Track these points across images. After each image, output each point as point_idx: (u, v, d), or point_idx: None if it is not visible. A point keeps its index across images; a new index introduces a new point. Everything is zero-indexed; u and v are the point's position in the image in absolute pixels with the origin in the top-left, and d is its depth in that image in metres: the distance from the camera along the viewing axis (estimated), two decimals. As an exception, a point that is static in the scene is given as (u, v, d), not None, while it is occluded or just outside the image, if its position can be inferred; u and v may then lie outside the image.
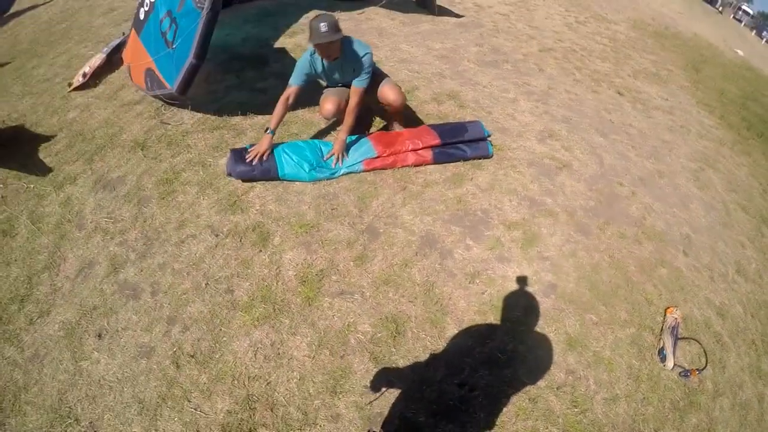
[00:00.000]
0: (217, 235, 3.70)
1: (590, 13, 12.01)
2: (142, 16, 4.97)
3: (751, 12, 43.91)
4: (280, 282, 3.47)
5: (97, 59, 5.58)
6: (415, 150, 4.46)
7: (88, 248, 3.67)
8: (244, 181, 4.11)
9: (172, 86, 4.33)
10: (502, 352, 3.35)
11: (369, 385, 3.02)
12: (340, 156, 4.26)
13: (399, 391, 3.05)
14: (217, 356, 3.08)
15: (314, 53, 4.00)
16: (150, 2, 4.82)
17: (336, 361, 3.11)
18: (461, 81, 6.27)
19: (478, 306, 3.57)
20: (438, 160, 4.56)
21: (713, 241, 5.05)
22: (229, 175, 4.08)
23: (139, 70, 4.86)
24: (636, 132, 6.46)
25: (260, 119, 4.82)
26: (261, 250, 3.64)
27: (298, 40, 6.60)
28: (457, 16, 8.83)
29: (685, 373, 3.65)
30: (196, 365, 3.03)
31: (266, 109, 4.87)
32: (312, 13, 7.56)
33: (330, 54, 3.88)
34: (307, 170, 4.14)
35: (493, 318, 3.53)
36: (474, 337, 3.39)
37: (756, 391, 3.91)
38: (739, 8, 44.73)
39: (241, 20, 7.11)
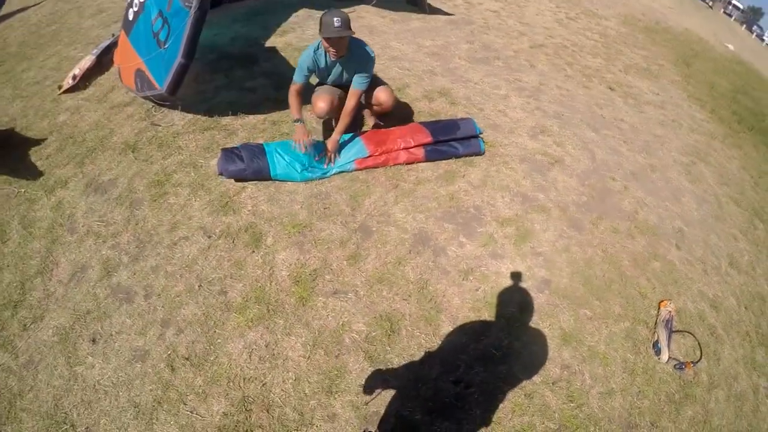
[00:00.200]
0: (209, 237, 3.69)
1: (581, 9, 12.04)
2: (131, 17, 4.94)
3: (741, 6, 44.16)
4: (274, 282, 3.46)
5: (86, 61, 5.54)
6: (407, 148, 4.46)
7: (80, 252, 3.65)
8: (236, 180, 4.10)
9: (162, 87, 4.31)
10: (497, 348, 3.35)
11: (364, 384, 3.01)
12: (332, 156, 4.25)
13: (394, 389, 3.04)
14: (211, 358, 3.07)
15: (318, 49, 3.99)
16: (139, 3, 4.79)
17: (331, 361, 3.11)
18: (452, 78, 6.28)
19: (472, 303, 3.57)
20: (430, 157, 4.56)
21: (706, 234, 5.07)
22: (221, 174, 4.06)
23: (129, 72, 4.83)
24: (628, 127, 6.48)
25: (251, 119, 4.81)
26: (254, 251, 3.63)
27: (288, 39, 6.58)
28: (447, 14, 8.81)
29: (680, 366, 3.67)
30: (191, 368, 3.02)
31: (256, 108, 4.88)
32: (302, 12, 7.59)
33: (338, 50, 3.85)
34: (299, 170, 4.13)
35: (488, 314, 3.53)
36: (468, 334, 3.40)
37: (751, 383, 3.93)
38: (730, 3, 45.00)
39: (230, 19, 7.09)
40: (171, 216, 3.83)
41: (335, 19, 3.62)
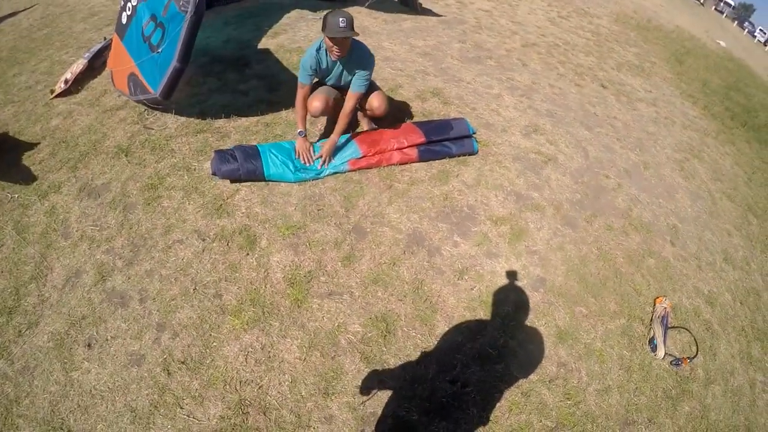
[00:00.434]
0: (203, 240, 3.67)
1: (573, 7, 12.09)
2: (124, 21, 4.91)
3: (732, 3, 44.31)
4: (269, 285, 3.45)
5: (78, 65, 5.52)
6: (400, 149, 4.46)
7: (74, 257, 3.62)
8: (230, 182, 4.09)
9: (156, 91, 4.29)
10: (493, 347, 3.36)
11: (361, 385, 3.01)
12: (327, 158, 4.24)
13: (391, 390, 3.04)
14: (207, 362, 3.06)
15: (320, 49, 3.99)
16: (132, 6, 4.77)
17: (327, 363, 3.10)
18: (445, 78, 6.28)
19: (467, 302, 3.57)
20: (423, 157, 4.57)
21: (700, 231, 5.10)
22: (214, 174, 4.05)
23: (122, 75, 4.81)
24: (620, 124, 6.51)
25: (244, 121, 4.79)
26: (248, 254, 3.62)
27: (280, 41, 6.57)
28: (437, 15, 8.82)
29: (677, 362, 3.69)
30: (187, 371, 3.01)
31: (249, 110, 4.87)
32: (294, 13, 7.59)
33: (341, 50, 3.84)
34: (292, 171, 4.13)
35: (483, 314, 3.54)
36: (464, 334, 3.40)
37: (747, 377, 3.96)
38: (721, 0, 45.14)
39: (222, 22, 7.07)
40: (165, 219, 3.82)
41: (340, 19, 3.63)
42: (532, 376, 3.31)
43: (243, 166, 4.00)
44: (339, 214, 3.99)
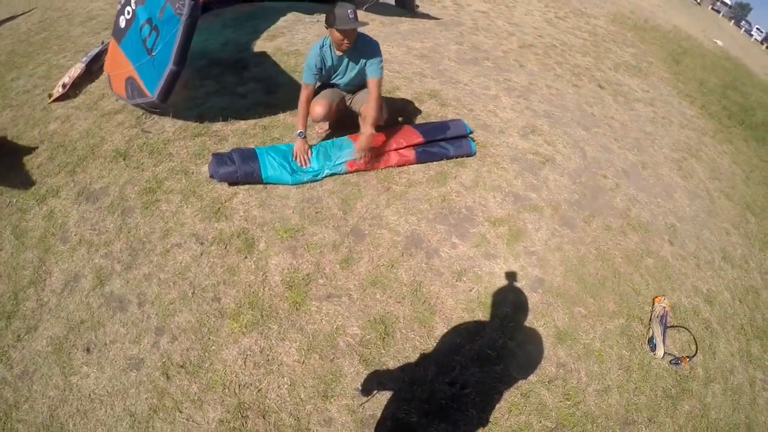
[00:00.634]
0: (202, 243, 3.67)
1: (569, 8, 12.10)
2: (122, 24, 4.91)
3: (729, 2, 44.37)
4: (267, 288, 3.45)
5: (76, 69, 5.52)
6: (398, 149, 4.47)
7: (73, 261, 3.62)
8: (228, 185, 4.09)
9: (153, 94, 4.29)
10: (492, 348, 3.36)
11: (360, 387, 3.01)
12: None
13: (390, 392, 3.04)
14: (206, 365, 3.05)
15: (323, 46, 4.01)
16: (131, 10, 4.77)
17: (326, 365, 3.10)
18: (442, 80, 6.29)
19: (466, 303, 3.58)
20: (421, 159, 4.58)
21: (698, 230, 5.11)
22: (212, 177, 4.05)
23: (120, 79, 4.81)
24: (618, 124, 6.52)
25: (242, 124, 4.79)
26: (246, 257, 3.62)
27: (278, 44, 6.58)
28: (434, 17, 8.83)
29: (676, 361, 3.69)
30: (186, 375, 3.00)
31: (247, 113, 4.87)
32: (291, 16, 7.61)
33: (350, 41, 3.87)
34: (290, 172, 4.13)
35: (482, 315, 3.54)
36: (463, 335, 3.40)
37: (747, 376, 3.96)
38: None
39: (220, 25, 7.08)
40: (163, 223, 3.82)
41: (348, 11, 3.66)
42: (532, 377, 3.31)
43: (240, 168, 4.00)
44: (337, 217, 3.99)
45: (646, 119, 7.10)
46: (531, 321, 3.61)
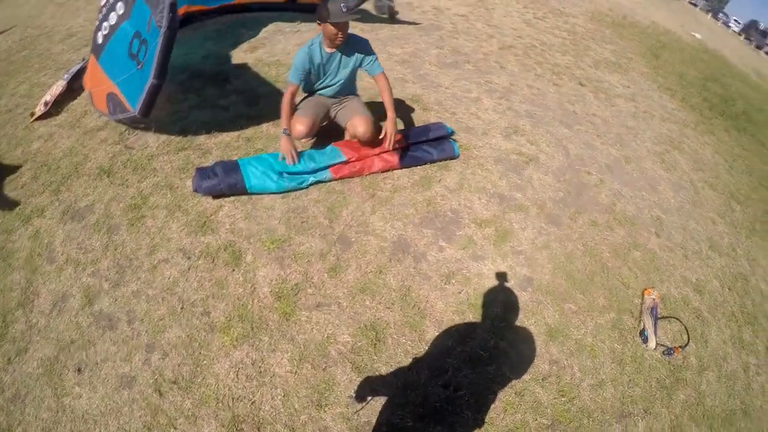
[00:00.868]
0: (189, 258, 3.66)
1: (548, 8, 12.18)
2: (100, 41, 4.90)
3: (705, -6, 44.76)
4: (256, 300, 3.44)
5: (58, 87, 5.48)
6: (381, 153, 4.47)
7: (60, 281, 3.59)
8: (213, 197, 4.08)
9: (134, 109, 4.26)
10: (484, 349, 3.36)
11: (354, 395, 3.00)
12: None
13: (384, 398, 3.03)
14: (199, 380, 3.04)
15: (312, 45, 4.03)
16: (110, 26, 4.76)
17: (319, 374, 3.09)
18: (423, 84, 6.31)
19: (455, 306, 3.58)
20: (405, 164, 4.59)
21: (684, 221, 5.15)
22: (196, 191, 4.04)
23: (101, 95, 4.79)
24: (600, 121, 6.57)
25: (225, 137, 4.78)
26: (234, 269, 3.61)
27: (258, 55, 6.58)
28: (414, 23, 8.86)
29: (669, 352, 3.71)
30: (179, 391, 2.99)
31: (230, 126, 4.87)
32: (272, 27, 7.60)
33: (343, 36, 3.90)
34: (274, 179, 4.12)
35: (472, 316, 3.55)
36: (454, 337, 3.41)
37: (741, 362, 3.99)
38: (694, -7, 45.65)
39: (201, 38, 7.06)
40: (149, 239, 3.80)
41: (341, 4, 3.68)
42: (525, 376, 3.31)
43: (224, 180, 3.99)
44: (323, 226, 3.99)
45: (627, 114, 7.16)
46: (522, 320, 3.62)
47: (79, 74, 5.72)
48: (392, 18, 8.60)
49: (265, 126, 4.96)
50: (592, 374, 3.44)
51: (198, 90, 5.60)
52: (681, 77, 10.13)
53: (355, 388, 3.03)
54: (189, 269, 3.60)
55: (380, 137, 4.30)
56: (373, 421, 2.93)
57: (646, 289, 4.12)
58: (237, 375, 3.06)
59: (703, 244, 4.98)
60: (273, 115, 4.95)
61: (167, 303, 3.40)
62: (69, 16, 8.57)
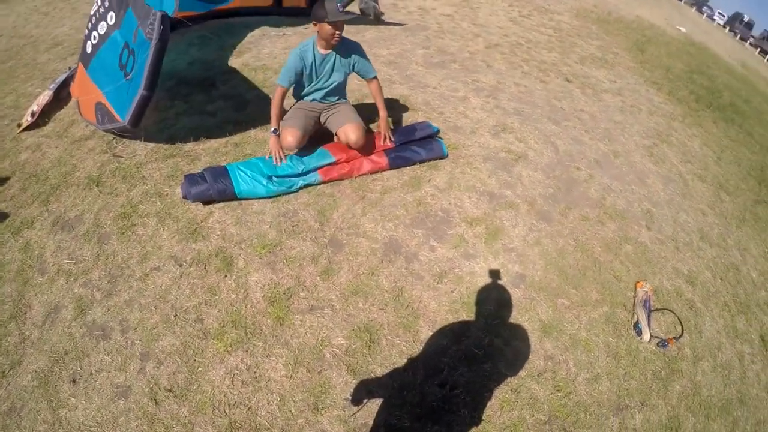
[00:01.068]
0: (180, 265, 3.64)
1: (533, 6, 12.24)
2: (89, 50, 4.88)
3: (689, -11, 44.94)
4: (249, 305, 3.43)
5: (44, 96, 5.45)
6: (369, 155, 4.50)
7: (52, 292, 3.57)
8: (203, 204, 4.07)
9: (123, 119, 4.25)
10: (479, 347, 3.37)
11: (350, 397, 3.00)
12: (387, 134, 4.46)
13: (381, 399, 3.03)
14: (194, 387, 3.03)
15: (305, 46, 4.04)
16: (99, 35, 4.74)
17: (314, 378, 3.09)
18: (410, 85, 6.32)
19: (449, 305, 3.59)
20: (394, 165, 4.59)
21: (674, 213, 5.18)
22: (185, 198, 4.03)
23: (89, 105, 4.77)
24: (588, 116, 6.60)
25: (213, 143, 4.77)
26: (226, 275, 3.60)
27: (245, 60, 6.57)
28: (400, 24, 8.86)
29: (663, 343, 3.73)
30: (174, 399, 2.97)
31: (218, 131, 4.85)
32: (258, 31, 7.58)
33: (340, 36, 3.91)
34: (264, 184, 4.11)
35: (466, 315, 3.55)
36: (449, 337, 3.41)
37: (735, 351, 4.03)
38: (678, -13, 45.81)
39: (186, 44, 7.03)
40: (140, 247, 3.78)
41: (338, 3, 3.71)
42: (521, 372, 3.32)
43: (213, 186, 3.98)
44: (314, 229, 3.99)
45: (615, 109, 7.20)
46: (515, 317, 3.63)
47: (66, 83, 5.70)
48: (377, 19, 8.61)
49: (253, 131, 4.96)
50: (588, 368, 3.45)
51: (185, 96, 5.58)
52: (667, 71, 10.19)
53: (351, 391, 3.03)
54: (181, 276, 3.58)
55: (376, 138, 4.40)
56: (371, 422, 2.93)
57: (638, 282, 4.14)
58: (232, 381, 3.05)
59: (694, 235, 5.01)
60: (261, 119, 4.95)
61: (160, 311, 3.38)
62: (54, 24, 8.54)
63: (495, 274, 3.87)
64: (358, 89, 5.81)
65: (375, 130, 4.85)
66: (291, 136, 4.18)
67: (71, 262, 3.73)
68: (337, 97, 4.48)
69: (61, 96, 5.62)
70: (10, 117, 5.54)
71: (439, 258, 3.92)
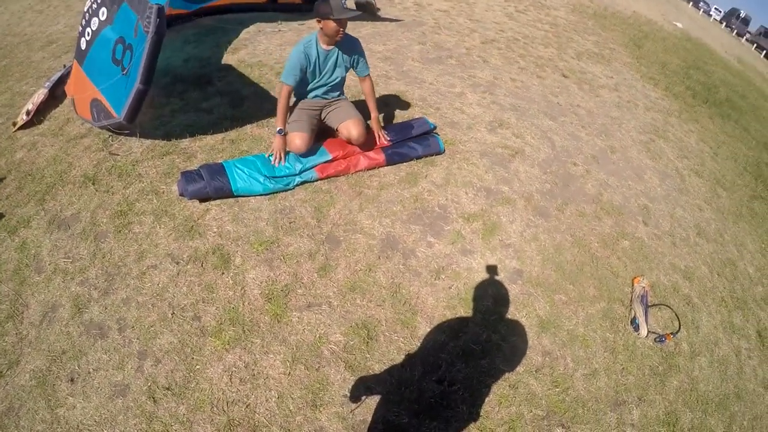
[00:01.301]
0: (177, 263, 3.63)
1: (529, 1, 12.25)
2: (83, 47, 4.86)
3: (685, -16, 44.98)
4: (246, 302, 3.42)
5: (39, 95, 5.42)
6: (366, 152, 4.49)
7: (49, 291, 3.56)
8: (200, 201, 4.05)
9: (119, 115, 4.22)
10: (477, 343, 3.37)
11: (348, 394, 3.00)
12: (383, 134, 4.51)
13: (379, 396, 3.04)
14: (192, 385, 3.02)
15: (308, 43, 4.01)
16: (92, 31, 4.72)
17: (312, 375, 3.09)
18: (407, 81, 6.31)
19: (446, 301, 3.59)
20: (391, 161, 4.59)
21: (671, 208, 5.19)
22: (182, 195, 4.01)
23: (85, 102, 4.75)
24: (584, 112, 6.60)
25: (209, 140, 4.75)
26: (223, 273, 3.59)
27: (240, 56, 6.54)
28: (396, 19, 8.85)
29: (660, 339, 3.75)
30: (173, 397, 2.97)
31: (214, 128, 4.83)
32: (253, 28, 7.54)
33: (343, 32, 3.90)
34: (261, 181, 4.10)
35: (463, 311, 3.55)
36: (447, 333, 3.41)
37: (732, 346, 4.05)
38: (674, -18, 45.84)
39: (182, 41, 6.99)
40: (137, 245, 3.77)
41: (342, 0, 3.70)
42: (519, 368, 3.33)
43: (210, 183, 3.97)
44: (311, 225, 3.98)
45: (611, 104, 7.21)
46: (513, 312, 3.64)
47: (61, 81, 5.67)
48: (373, 15, 8.59)
49: (249, 127, 4.94)
50: (585, 364, 3.46)
51: (181, 93, 5.56)
52: (664, 66, 10.21)
53: (350, 387, 3.03)
54: (178, 274, 3.57)
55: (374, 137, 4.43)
56: (369, 419, 2.93)
57: (635, 278, 4.15)
58: (230, 379, 3.05)
59: (691, 230, 5.02)
60: (257, 116, 4.95)
61: (157, 309, 3.37)
62: (49, 22, 8.50)
63: (492, 269, 3.87)
64: (354, 86, 5.81)
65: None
66: (299, 140, 4.18)
67: (68, 261, 3.72)
68: (338, 93, 4.48)
69: (56, 94, 5.59)
70: (5, 116, 5.51)
71: (437, 254, 3.92)
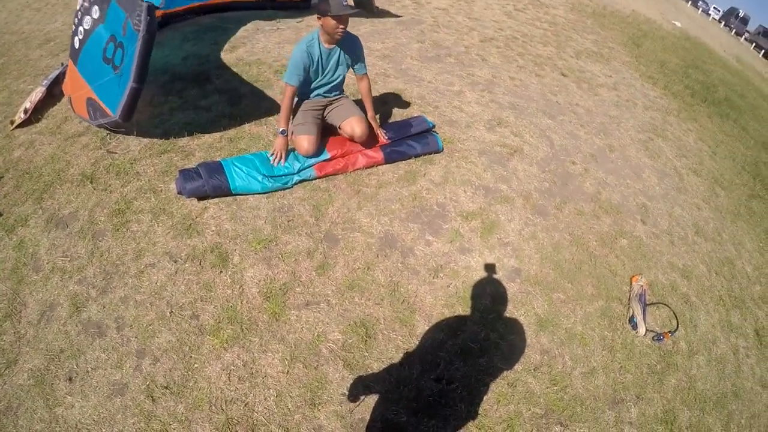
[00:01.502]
0: (175, 261, 3.63)
1: (528, -1, 12.21)
2: (77, 45, 4.84)
3: (684, -17, 45.01)
4: (245, 301, 3.42)
5: (37, 93, 5.41)
6: (365, 151, 4.49)
7: (47, 290, 3.55)
8: (198, 199, 4.04)
9: (114, 114, 4.21)
10: (475, 341, 3.37)
11: (347, 392, 3.00)
12: (380, 132, 4.50)
13: (377, 394, 3.03)
14: (191, 384, 3.02)
15: (311, 42, 4.00)
16: (85, 30, 4.71)
17: (311, 373, 3.08)
18: (405, 79, 6.30)
19: (445, 299, 3.59)
20: (389, 159, 4.59)
21: (669, 207, 5.20)
22: (180, 194, 4.00)
23: (80, 101, 4.74)
24: (583, 110, 6.60)
25: (207, 138, 4.74)
26: (222, 271, 3.58)
27: (239, 54, 6.53)
28: (395, 16, 8.85)
29: (658, 337, 3.75)
30: (171, 396, 2.97)
31: (212, 126, 4.83)
32: (251, 26, 7.53)
33: (344, 29, 3.88)
34: (259, 180, 4.09)
35: (462, 309, 3.55)
36: (445, 331, 3.41)
37: (730, 345, 4.06)
38: (673, -19, 45.87)
39: (180, 39, 6.98)
40: (135, 244, 3.76)
41: None
42: (517, 366, 3.33)
43: (208, 182, 3.96)
44: (309, 224, 3.98)
45: (610, 103, 7.21)
46: (511, 311, 3.64)
47: (59, 80, 5.65)
48: (371, 12, 8.58)
49: (247, 126, 4.93)
50: (584, 362, 3.46)
51: (179, 91, 5.54)
52: (663, 65, 10.22)
53: (348, 386, 3.03)
54: (176, 273, 3.57)
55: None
56: (367, 417, 2.93)
57: (633, 276, 4.15)
58: (229, 377, 3.04)
59: (689, 229, 5.03)
60: (255, 114, 4.94)
61: (156, 308, 3.37)
62: (46, 20, 8.48)
63: (491, 268, 3.87)
64: (351, 84, 5.80)
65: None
66: (308, 143, 4.19)
67: (66, 260, 3.71)
68: (339, 92, 4.48)
69: (53, 92, 5.57)
70: (3, 114, 5.50)
71: (435, 252, 3.92)
